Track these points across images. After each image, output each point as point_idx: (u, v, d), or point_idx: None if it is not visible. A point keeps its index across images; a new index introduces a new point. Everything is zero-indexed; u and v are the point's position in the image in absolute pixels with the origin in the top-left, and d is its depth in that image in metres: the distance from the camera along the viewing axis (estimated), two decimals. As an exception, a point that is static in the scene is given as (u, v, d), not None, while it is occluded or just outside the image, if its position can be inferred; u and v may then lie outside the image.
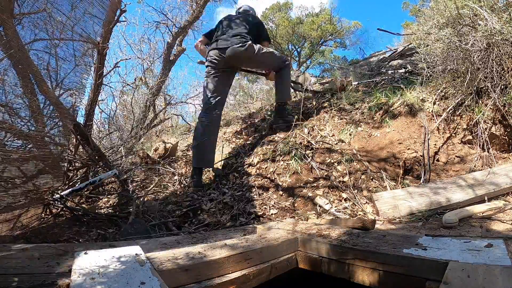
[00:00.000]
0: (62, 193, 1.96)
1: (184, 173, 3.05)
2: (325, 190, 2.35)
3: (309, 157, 2.65)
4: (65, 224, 1.83)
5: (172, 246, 1.38)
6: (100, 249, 1.06)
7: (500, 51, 2.20)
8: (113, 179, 2.54)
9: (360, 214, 2.13)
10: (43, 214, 1.85)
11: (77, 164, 2.46)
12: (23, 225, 1.68)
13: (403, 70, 4.19)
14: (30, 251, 1.12)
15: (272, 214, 2.21)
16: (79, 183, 2.26)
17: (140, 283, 0.83)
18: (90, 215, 1.97)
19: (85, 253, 1.00)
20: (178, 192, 2.65)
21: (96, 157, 2.47)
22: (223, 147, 3.34)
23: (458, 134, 2.57)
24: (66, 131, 2.16)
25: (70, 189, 2.03)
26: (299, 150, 2.71)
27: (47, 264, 0.99)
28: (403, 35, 6.15)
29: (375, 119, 2.94)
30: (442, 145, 2.52)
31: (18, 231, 1.59)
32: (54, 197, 1.88)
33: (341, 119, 3.16)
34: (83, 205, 2.08)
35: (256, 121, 3.92)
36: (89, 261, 0.94)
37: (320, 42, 15.87)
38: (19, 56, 1.65)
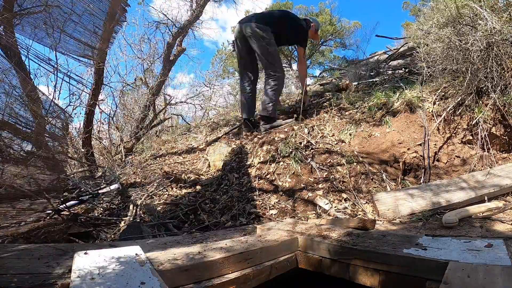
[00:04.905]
0: (66, 204, 1.98)
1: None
2: (325, 191, 2.34)
3: (309, 158, 2.65)
4: (65, 224, 1.83)
5: (172, 246, 1.37)
6: (100, 249, 1.06)
7: (500, 50, 2.19)
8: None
9: (360, 214, 2.12)
10: (43, 216, 1.85)
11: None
12: (21, 224, 1.68)
13: (403, 70, 4.18)
14: (30, 251, 1.12)
15: (272, 214, 2.21)
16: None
17: (140, 283, 0.83)
18: (90, 217, 1.98)
19: (85, 253, 1.00)
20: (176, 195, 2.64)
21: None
22: (228, 147, 3.34)
23: (458, 134, 2.56)
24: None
25: (73, 202, 2.05)
26: (299, 150, 2.70)
27: (47, 264, 0.98)
28: (401, 38, 6.14)
29: (375, 119, 2.94)
30: (442, 145, 2.51)
31: (12, 230, 1.59)
32: (59, 207, 1.90)
33: (341, 119, 3.16)
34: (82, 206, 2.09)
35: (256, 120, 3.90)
36: (89, 261, 0.94)
37: (320, 42, 15.83)
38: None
